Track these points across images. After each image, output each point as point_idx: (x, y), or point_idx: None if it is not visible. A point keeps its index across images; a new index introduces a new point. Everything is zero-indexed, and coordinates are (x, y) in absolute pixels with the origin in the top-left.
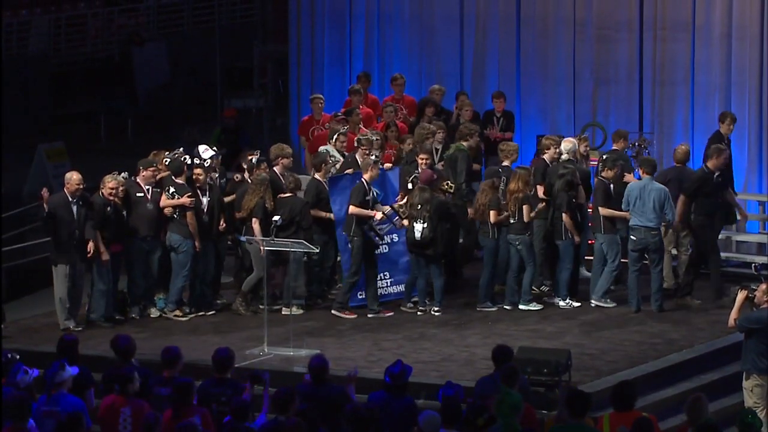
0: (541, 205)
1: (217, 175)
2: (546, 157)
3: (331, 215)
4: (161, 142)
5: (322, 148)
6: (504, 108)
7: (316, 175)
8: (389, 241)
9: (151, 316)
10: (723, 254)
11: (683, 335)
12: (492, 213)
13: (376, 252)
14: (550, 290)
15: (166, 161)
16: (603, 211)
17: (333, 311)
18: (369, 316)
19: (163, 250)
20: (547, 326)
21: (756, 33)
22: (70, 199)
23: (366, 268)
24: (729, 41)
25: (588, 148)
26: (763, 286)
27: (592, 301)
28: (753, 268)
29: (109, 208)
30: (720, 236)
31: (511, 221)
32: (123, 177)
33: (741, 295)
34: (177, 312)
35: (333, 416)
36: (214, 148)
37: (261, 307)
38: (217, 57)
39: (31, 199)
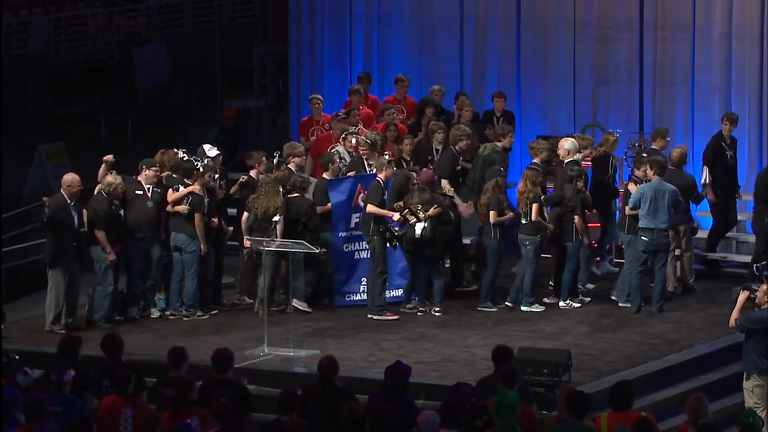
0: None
1: (217, 176)
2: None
3: None
4: (161, 142)
5: (336, 149)
6: (504, 108)
7: (325, 175)
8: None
9: (152, 316)
10: (723, 255)
11: (683, 335)
12: (492, 213)
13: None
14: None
15: (183, 156)
16: (627, 211)
17: (372, 316)
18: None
19: (162, 250)
20: (547, 326)
21: (756, 33)
22: (69, 201)
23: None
24: (729, 41)
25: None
26: (764, 287)
27: (620, 302)
28: (754, 269)
29: (113, 207)
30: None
31: (523, 221)
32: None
33: (743, 296)
34: (198, 312)
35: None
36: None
37: (274, 309)
38: (217, 57)
39: (31, 200)
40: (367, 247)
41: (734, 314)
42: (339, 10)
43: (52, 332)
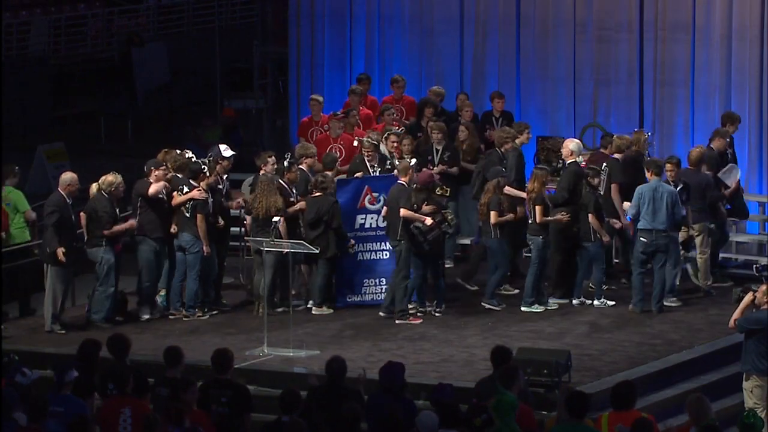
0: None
1: (225, 176)
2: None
3: None
4: (161, 142)
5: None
6: (503, 108)
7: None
8: (389, 248)
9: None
10: (723, 255)
11: (683, 336)
12: (492, 213)
13: (373, 258)
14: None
15: (191, 156)
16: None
17: (397, 321)
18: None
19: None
20: (547, 327)
21: (756, 34)
22: (68, 200)
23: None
24: (729, 42)
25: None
26: (764, 287)
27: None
28: (754, 269)
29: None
30: None
31: (530, 221)
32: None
33: (748, 297)
34: (198, 313)
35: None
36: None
37: (279, 309)
38: (217, 57)
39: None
40: (371, 249)
41: (735, 315)
42: (339, 11)
43: (52, 332)
